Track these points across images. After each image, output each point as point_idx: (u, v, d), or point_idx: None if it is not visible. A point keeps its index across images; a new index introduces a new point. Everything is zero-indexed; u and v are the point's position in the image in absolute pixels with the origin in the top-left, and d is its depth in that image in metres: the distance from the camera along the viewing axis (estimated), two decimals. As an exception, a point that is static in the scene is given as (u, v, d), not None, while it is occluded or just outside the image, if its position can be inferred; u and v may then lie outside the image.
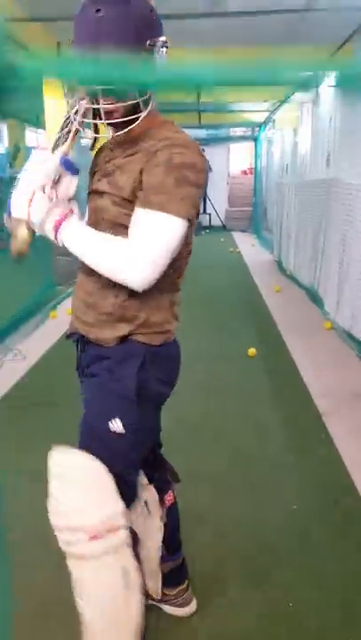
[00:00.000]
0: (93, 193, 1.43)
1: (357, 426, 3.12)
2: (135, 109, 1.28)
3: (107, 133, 1.40)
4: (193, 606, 1.82)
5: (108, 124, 1.32)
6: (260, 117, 11.82)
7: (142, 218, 1.29)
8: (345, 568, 2.02)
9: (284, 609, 1.83)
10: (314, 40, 5.90)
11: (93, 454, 1.38)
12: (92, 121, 1.34)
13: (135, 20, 1.22)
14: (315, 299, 5.99)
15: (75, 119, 1.32)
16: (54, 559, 1.97)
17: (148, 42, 1.23)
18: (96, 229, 1.37)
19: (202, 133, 14.16)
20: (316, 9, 4.82)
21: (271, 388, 3.71)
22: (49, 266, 6.81)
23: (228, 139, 15.28)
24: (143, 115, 1.28)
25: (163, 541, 1.67)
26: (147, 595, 1.65)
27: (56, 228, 1.31)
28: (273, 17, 5.02)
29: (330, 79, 7.23)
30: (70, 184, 1.35)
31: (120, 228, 1.34)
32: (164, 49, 1.28)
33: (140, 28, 1.23)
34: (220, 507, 2.39)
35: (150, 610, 1.71)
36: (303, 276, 6.71)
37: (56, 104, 6.50)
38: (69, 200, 1.36)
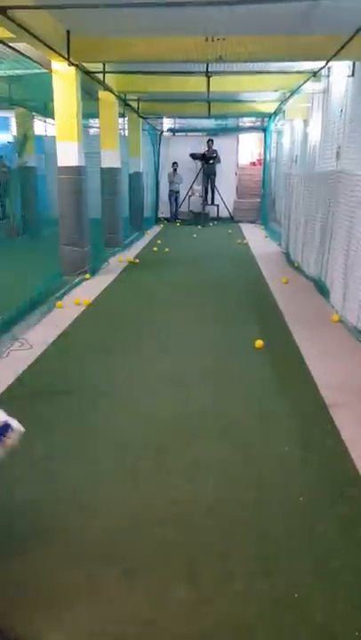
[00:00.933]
0: None
1: (364, 418, 3.12)
2: None
3: None
4: None
5: None
6: (269, 108, 11.72)
7: None
8: (351, 559, 2.02)
9: (289, 600, 1.83)
10: (327, 29, 5.83)
11: None
12: None
13: None
14: (322, 291, 5.96)
15: None
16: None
17: None
18: None
19: (211, 123, 14.07)
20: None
21: (278, 380, 3.71)
22: (58, 256, 6.86)
23: (238, 129, 15.17)
24: None
25: None
26: None
27: None
28: (283, 5, 4.92)
29: (342, 69, 7.16)
30: None
31: None
32: None
33: None
34: (226, 498, 2.40)
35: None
36: (311, 267, 6.68)
37: (65, 93, 6.48)
38: None
